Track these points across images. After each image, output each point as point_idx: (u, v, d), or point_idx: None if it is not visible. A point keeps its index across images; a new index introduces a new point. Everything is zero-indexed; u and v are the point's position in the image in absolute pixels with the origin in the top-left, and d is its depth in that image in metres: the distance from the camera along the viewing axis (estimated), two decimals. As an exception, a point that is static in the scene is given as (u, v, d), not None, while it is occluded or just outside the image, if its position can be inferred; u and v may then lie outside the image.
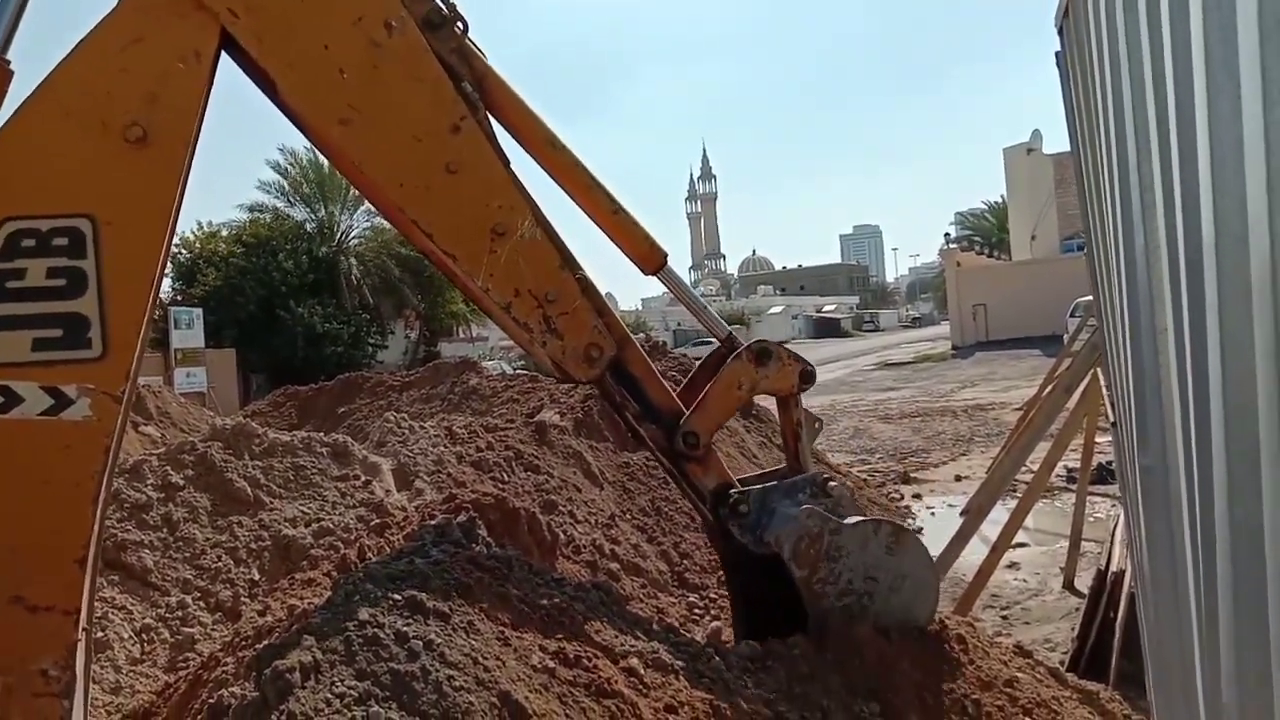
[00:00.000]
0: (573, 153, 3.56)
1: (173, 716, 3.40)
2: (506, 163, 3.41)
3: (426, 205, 3.16)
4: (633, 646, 3.26)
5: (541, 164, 3.57)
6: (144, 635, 5.19)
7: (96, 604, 5.18)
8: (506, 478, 7.58)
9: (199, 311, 29.59)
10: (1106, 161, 2.39)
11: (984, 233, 72.29)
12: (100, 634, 4.99)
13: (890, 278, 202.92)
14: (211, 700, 2.52)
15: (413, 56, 3.10)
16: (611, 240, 3.70)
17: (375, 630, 2.50)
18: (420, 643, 2.51)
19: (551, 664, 2.79)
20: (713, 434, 3.72)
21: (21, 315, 2.53)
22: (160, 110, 2.64)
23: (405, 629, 2.55)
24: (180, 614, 5.28)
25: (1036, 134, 53.80)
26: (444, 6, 3.27)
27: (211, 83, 2.83)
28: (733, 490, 3.70)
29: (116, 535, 5.57)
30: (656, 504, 8.27)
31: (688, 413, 3.69)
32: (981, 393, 24.81)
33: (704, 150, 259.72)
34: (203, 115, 2.79)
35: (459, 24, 3.27)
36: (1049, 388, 11.98)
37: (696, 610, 7.06)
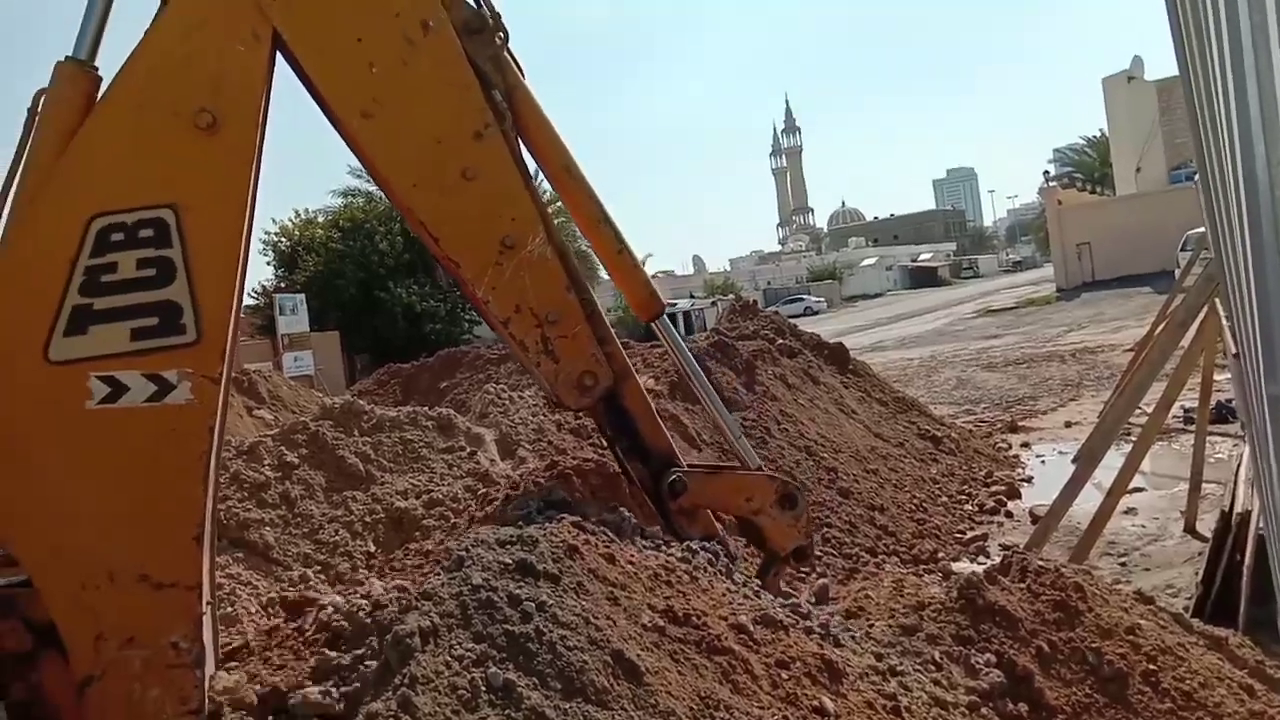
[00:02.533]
0: (588, 181, 3.52)
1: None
2: (528, 177, 3.36)
3: (437, 209, 3.16)
4: (741, 604, 3.28)
5: (555, 188, 3.55)
6: (269, 609, 5.43)
7: (224, 579, 5.45)
8: (605, 444, 7.66)
9: (302, 297, 30.55)
10: (1220, 77, 2.26)
11: (1085, 169, 69.39)
12: (229, 609, 5.25)
13: (988, 222, 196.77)
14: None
15: (445, 58, 3.10)
16: (612, 279, 3.61)
17: (489, 594, 2.56)
18: (533, 604, 2.57)
19: (661, 622, 2.82)
20: (699, 507, 3.65)
21: (118, 307, 2.63)
22: (226, 94, 2.69)
23: (518, 591, 2.61)
24: (302, 587, 5.51)
25: (1137, 60, 51.27)
26: (487, 13, 3.27)
27: (274, 63, 2.87)
28: (718, 548, 3.67)
29: (239, 514, 5.84)
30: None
31: (685, 466, 3.63)
32: (1089, 335, 23.96)
33: (787, 102, 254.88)
34: (268, 95, 2.84)
35: (500, 34, 3.27)
36: (1162, 325, 11.49)
37: (802, 569, 7.04)
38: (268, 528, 5.77)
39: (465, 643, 2.45)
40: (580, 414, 3.86)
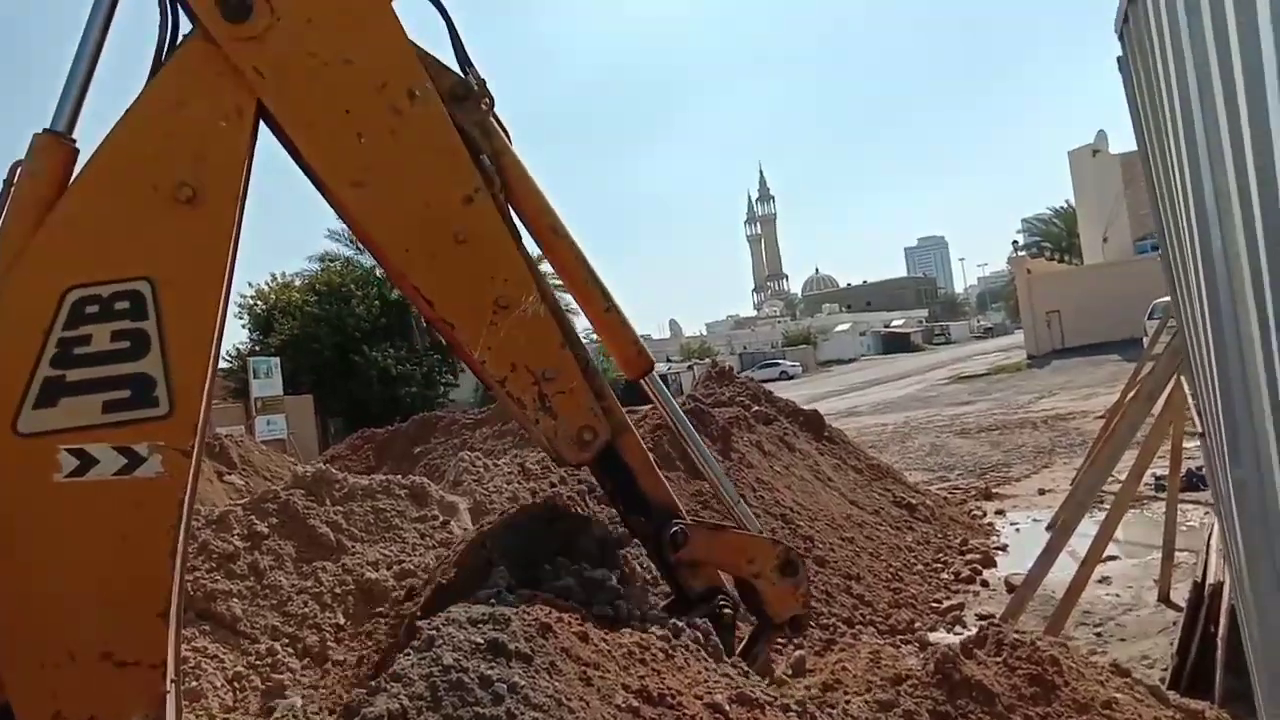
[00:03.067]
0: (575, 242, 3.54)
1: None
2: (518, 238, 3.40)
3: (430, 272, 3.17)
4: (718, 682, 3.24)
5: (542, 248, 3.53)
6: (235, 683, 5.30)
7: (189, 653, 5.33)
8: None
9: (276, 360, 30.35)
10: (1176, 165, 2.33)
11: (1053, 238, 70.84)
12: (194, 683, 5.11)
13: (959, 289, 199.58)
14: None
15: (433, 126, 3.12)
16: (599, 337, 3.62)
17: (460, 675, 2.52)
18: (505, 685, 2.52)
19: (636, 703, 2.78)
20: (700, 563, 3.60)
21: (90, 379, 2.60)
22: (207, 169, 2.71)
23: (489, 672, 2.56)
24: (270, 660, 5.39)
25: (1101, 135, 52.64)
26: (473, 80, 3.32)
27: (255, 138, 2.90)
28: (722, 601, 3.63)
29: (206, 585, 5.72)
30: (732, 532, 8.21)
31: (687, 520, 3.61)
32: (1061, 402, 24.18)
33: (760, 172, 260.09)
34: (249, 170, 2.85)
35: (486, 100, 3.32)
36: (1132, 393, 11.63)
37: (778, 640, 6.96)
38: (235, 599, 5.65)
39: (435, 726, 2.40)
40: (577, 470, 3.82)
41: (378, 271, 39.71)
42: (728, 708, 3.03)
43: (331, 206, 3.32)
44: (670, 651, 3.23)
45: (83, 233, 2.64)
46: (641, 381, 3.71)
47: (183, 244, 2.69)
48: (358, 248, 41.01)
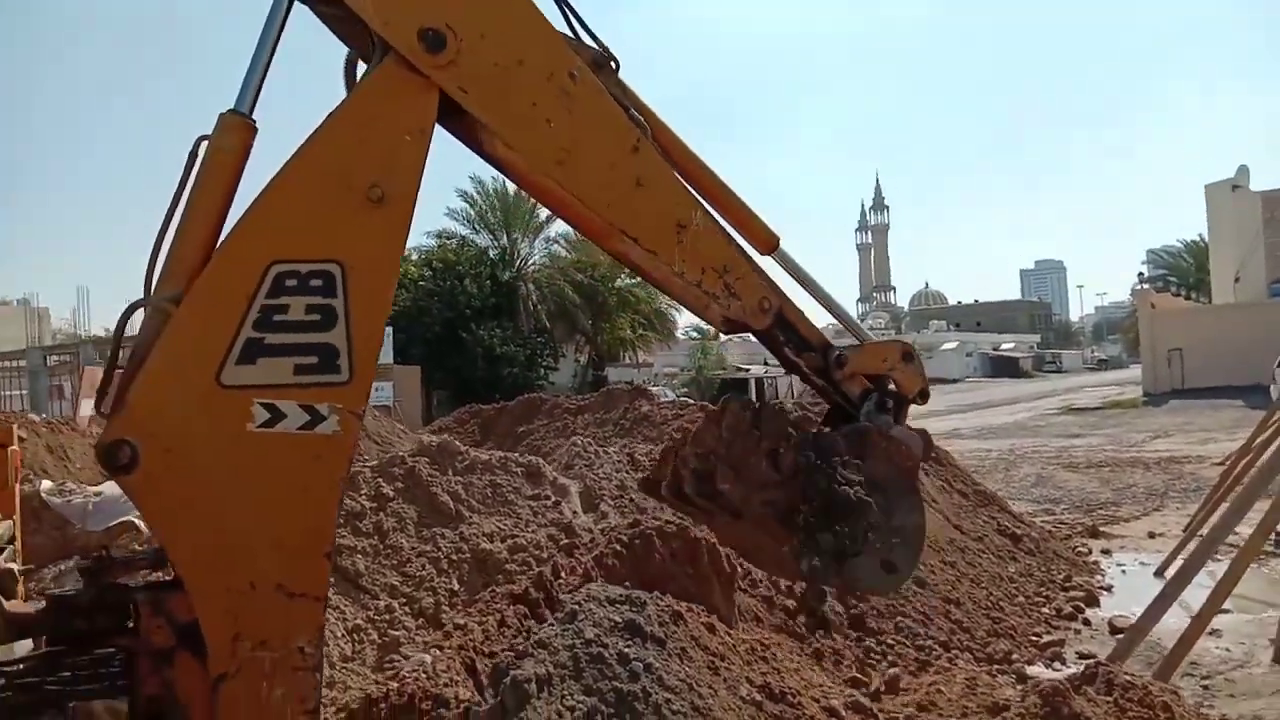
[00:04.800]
0: (703, 160, 4.13)
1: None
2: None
3: (629, 216, 3.60)
4: (832, 688, 3.33)
5: (682, 172, 3.98)
6: (354, 635, 5.61)
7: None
8: (687, 506, 7.73)
9: (390, 330, 31.40)
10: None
11: (1180, 273, 67.84)
12: (317, 630, 5.43)
13: (1074, 316, 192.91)
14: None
15: (594, 97, 3.50)
16: (728, 222, 4.09)
17: (600, 649, 2.67)
18: (640, 664, 2.66)
19: (759, 697, 2.89)
20: (855, 373, 4.23)
21: (285, 344, 2.90)
22: (394, 175, 3.02)
23: (627, 650, 2.71)
24: (387, 617, 5.68)
25: (1243, 170, 50.14)
26: (603, 51, 3.71)
27: (428, 151, 3.21)
28: (871, 392, 4.23)
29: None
30: (833, 542, 8.21)
31: (836, 349, 4.19)
32: (1176, 444, 23.23)
33: (877, 180, 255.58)
34: (421, 176, 3.16)
35: (613, 63, 3.73)
36: (1259, 439, 11.18)
37: (873, 654, 6.97)
38: (359, 556, 5.97)
39: (576, 695, 2.56)
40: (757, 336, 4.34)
41: (490, 253, 40.78)
42: (844, 713, 3.12)
43: (532, 190, 3.67)
44: (791, 655, 3.34)
45: (287, 217, 2.96)
46: (772, 256, 4.21)
47: (370, 237, 3.01)
48: (474, 227, 42.11)
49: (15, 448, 4.96)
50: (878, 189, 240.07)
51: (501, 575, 5.99)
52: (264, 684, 2.86)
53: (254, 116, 3.10)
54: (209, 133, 3.05)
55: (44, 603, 3.46)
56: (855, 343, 4.44)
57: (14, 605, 3.39)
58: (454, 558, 6.16)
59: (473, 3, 3.22)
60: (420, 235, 43.29)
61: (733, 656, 3.03)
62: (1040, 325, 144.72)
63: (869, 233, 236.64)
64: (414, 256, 39.52)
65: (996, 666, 7.21)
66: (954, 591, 8.19)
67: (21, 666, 3.35)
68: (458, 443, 7.38)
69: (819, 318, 4.50)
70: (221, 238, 2.98)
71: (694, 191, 4.05)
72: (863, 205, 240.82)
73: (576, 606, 2.86)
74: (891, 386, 4.32)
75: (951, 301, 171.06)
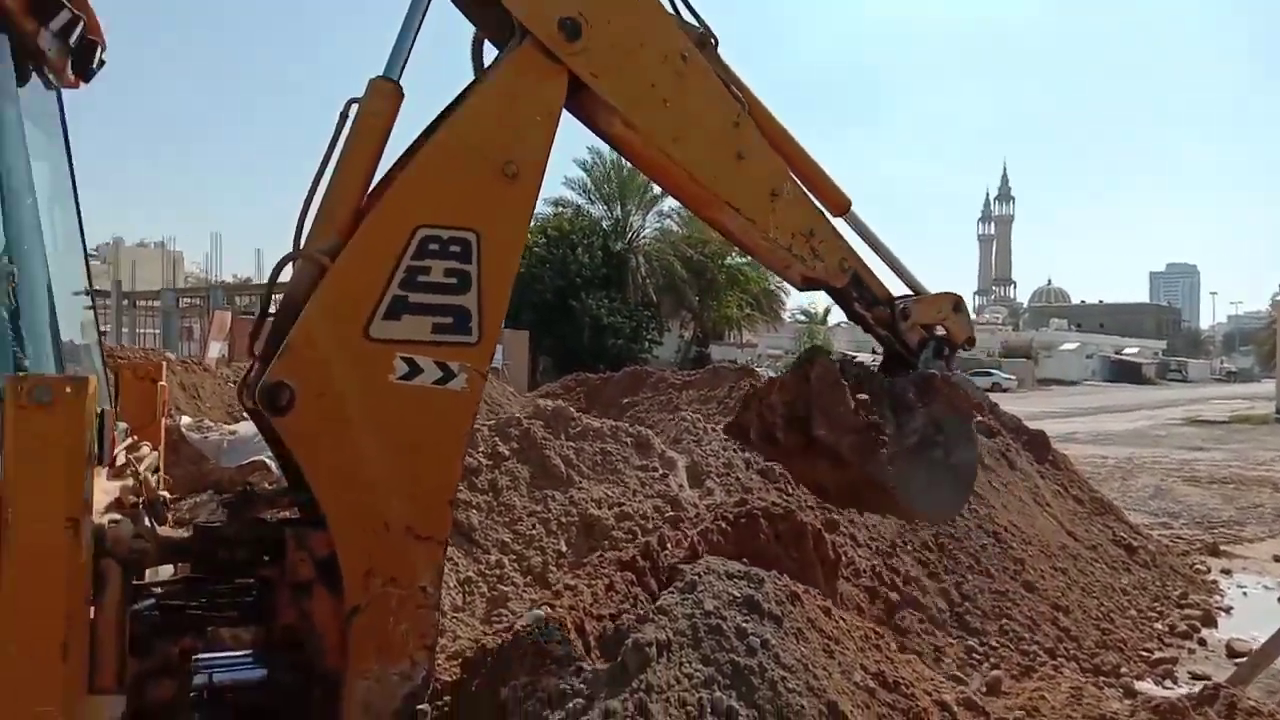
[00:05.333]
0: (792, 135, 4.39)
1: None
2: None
3: (732, 186, 3.92)
4: (943, 683, 3.30)
5: (773, 144, 4.22)
6: (465, 586, 5.80)
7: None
8: (791, 489, 7.70)
9: (502, 293, 32.05)
10: None
11: (1328, 286, 63.54)
12: (432, 578, 5.64)
13: (1205, 324, 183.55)
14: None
15: (703, 76, 3.75)
16: (806, 186, 4.34)
17: (719, 621, 2.71)
18: (758, 640, 2.69)
19: (872, 684, 2.89)
20: (916, 323, 4.64)
21: (426, 304, 3.12)
22: (526, 153, 3.25)
23: (745, 624, 2.74)
24: (497, 572, 5.85)
25: None
26: (703, 29, 3.93)
27: (556, 130, 3.45)
28: (929, 340, 4.68)
29: (450, 491, 6.26)
30: (940, 539, 8.08)
31: (902, 303, 4.62)
32: (1309, 466, 21.97)
33: (1004, 169, 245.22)
34: (549, 155, 3.40)
35: (714, 40, 3.95)
36: None
37: (975, 655, 6.85)
38: (474, 510, 6.16)
39: (694, 663, 2.60)
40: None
41: (604, 223, 41.09)
42: (955, 709, 3.09)
43: (646, 167, 3.98)
44: (903, 646, 3.31)
45: (434, 186, 3.18)
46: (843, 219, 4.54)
47: (503, 208, 3.25)
48: (589, 197, 42.46)
49: (164, 383, 5.26)
50: (1004, 178, 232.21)
51: (608, 541, 6.10)
52: (391, 619, 3.10)
53: (401, 82, 3.27)
54: (359, 96, 3.23)
55: (191, 531, 3.70)
56: (910, 294, 4.83)
57: (165, 530, 3.63)
58: (563, 520, 6.30)
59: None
60: (539, 202, 43.95)
61: (847, 641, 3.03)
62: (1167, 331, 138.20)
63: (992, 223, 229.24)
64: (531, 223, 40.15)
65: (1104, 678, 6.99)
66: (1063, 599, 7.97)
67: (164, 590, 3.61)
68: (571, 409, 7.51)
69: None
70: (373, 199, 3.19)
71: (788, 159, 4.32)
72: (987, 194, 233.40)
73: (696, 578, 2.91)
74: (940, 332, 4.80)
75: (1075, 300, 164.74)
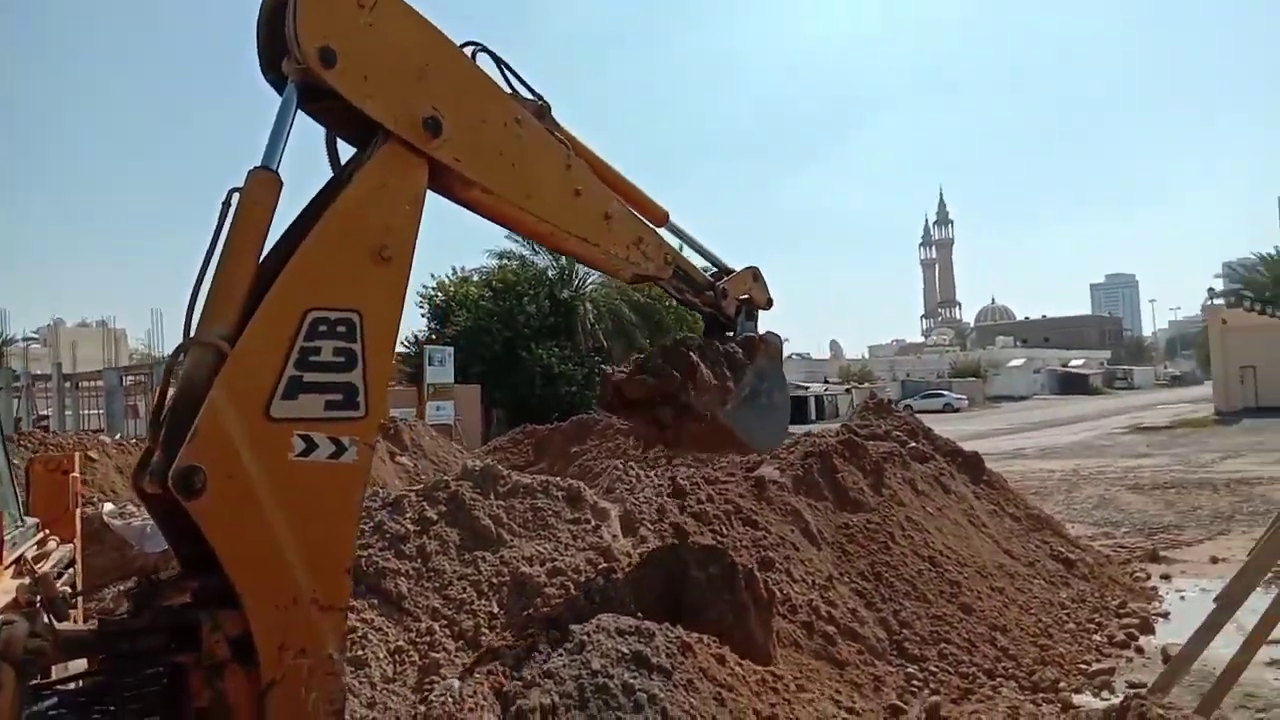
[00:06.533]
0: (615, 169, 5.37)
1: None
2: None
3: (576, 220, 4.72)
4: (845, 719, 3.36)
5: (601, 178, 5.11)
6: (396, 656, 5.75)
7: (357, 623, 5.83)
8: (726, 531, 7.77)
9: (450, 350, 31.97)
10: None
11: (1256, 287, 65.38)
12: (359, 651, 5.60)
13: (1147, 331, 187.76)
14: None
15: (535, 131, 4.43)
16: (629, 204, 5.26)
17: (605, 680, 2.76)
18: (645, 695, 2.75)
19: (764, 728, 2.94)
20: (728, 295, 6.21)
21: (318, 382, 3.33)
22: (397, 237, 3.58)
23: (632, 680, 2.79)
24: (429, 639, 5.81)
25: (1323, 179, 48.45)
26: (536, 97, 4.69)
27: (422, 214, 3.83)
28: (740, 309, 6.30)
29: (377, 562, 6.23)
30: (876, 568, 8.19)
31: (721, 285, 6.17)
32: (1248, 465, 22.55)
33: (940, 194, 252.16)
34: (417, 237, 3.74)
35: (545, 106, 4.72)
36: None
37: (915, 682, 6.93)
38: (402, 578, 6.13)
39: (580, 724, 2.65)
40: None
41: (549, 273, 41.23)
42: (853, 745, 3.16)
43: (508, 224, 4.64)
44: (803, 685, 3.38)
45: (319, 270, 3.41)
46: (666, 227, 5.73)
47: (380, 288, 3.53)
48: (534, 249, 42.59)
49: (76, 474, 5.24)
50: (941, 203, 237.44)
51: (540, 599, 6.10)
52: (303, 689, 3.24)
53: (280, 172, 3.51)
54: (239, 185, 3.43)
55: (96, 624, 3.69)
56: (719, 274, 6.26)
57: (66, 627, 3.61)
58: (494, 580, 6.29)
59: (452, 88, 3.89)
60: (481, 255, 44.07)
61: (741, 687, 3.09)
62: (1111, 341, 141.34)
63: (933, 248, 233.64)
64: (475, 277, 40.17)
65: (1042, 695, 7.10)
66: (1001, 618, 8.10)
67: (72, 686, 3.59)
68: (500, 466, 7.53)
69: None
70: (263, 285, 3.34)
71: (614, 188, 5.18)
72: (926, 220, 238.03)
73: (585, 637, 2.96)
74: (745, 297, 6.26)
75: (1019, 317, 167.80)
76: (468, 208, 4.33)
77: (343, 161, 3.91)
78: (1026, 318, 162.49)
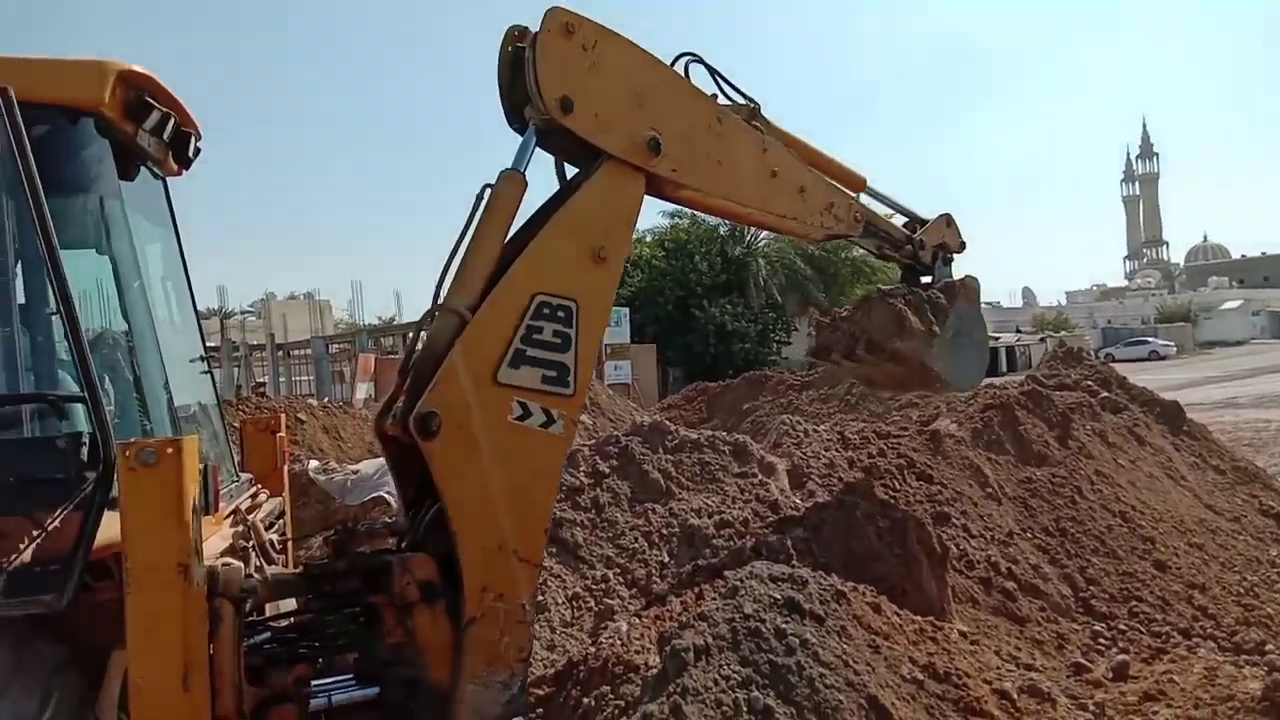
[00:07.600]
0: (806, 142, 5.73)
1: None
2: None
3: (774, 199, 5.05)
4: (1010, 672, 3.32)
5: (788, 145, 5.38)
6: (574, 602, 6.06)
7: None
8: (898, 486, 7.65)
9: (626, 310, 32.58)
10: None
11: None
12: (541, 597, 5.92)
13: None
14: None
15: (734, 127, 4.73)
16: (829, 177, 5.61)
17: (758, 624, 2.84)
18: (797, 639, 2.81)
19: (921, 676, 2.96)
20: (929, 246, 6.43)
21: (538, 358, 3.80)
22: (613, 242, 4.04)
23: (784, 625, 2.86)
24: (603, 586, 6.09)
25: None
26: (744, 99, 5.17)
27: (637, 221, 4.32)
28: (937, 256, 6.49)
29: (555, 513, 6.54)
30: (1062, 524, 7.85)
31: (919, 238, 6.36)
32: None
33: (1144, 126, 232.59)
34: (631, 242, 4.26)
35: (754, 106, 5.22)
36: None
37: (1102, 640, 6.64)
38: (578, 528, 6.42)
39: (733, 665, 2.75)
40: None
41: (720, 230, 41.17)
42: (1015, 696, 3.12)
43: (706, 211, 5.61)
44: (977, 640, 3.35)
45: (548, 262, 3.91)
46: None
47: (595, 284, 3.99)
48: (704, 205, 42.60)
49: (283, 434, 5.75)
50: (1145, 134, 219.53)
51: (708, 549, 6.24)
52: (498, 630, 3.59)
53: (526, 175, 4.06)
54: (492, 181, 3.96)
55: (301, 568, 4.11)
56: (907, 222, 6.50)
57: (275, 570, 4.04)
58: (664, 531, 6.49)
59: (666, 106, 4.27)
60: (654, 215, 44.47)
61: (897, 636, 3.10)
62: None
63: (1136, 183, 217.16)
64: (648, 238, 40.57)
65: (1245, 657, 6.65)
66: (1199, 576, 7.61)
67: (282, 623, 4.02)
68: (668, 423, 7.70)
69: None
70: (502, 268, 3.86)
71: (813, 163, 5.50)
72: (1128, 154, 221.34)
73: (739, 583, 3.05)
74: (939, 243, 6.44)
75: (1235, 255, 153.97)
76: (677, 204, 4.86)
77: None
78: (1244, 255, 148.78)
